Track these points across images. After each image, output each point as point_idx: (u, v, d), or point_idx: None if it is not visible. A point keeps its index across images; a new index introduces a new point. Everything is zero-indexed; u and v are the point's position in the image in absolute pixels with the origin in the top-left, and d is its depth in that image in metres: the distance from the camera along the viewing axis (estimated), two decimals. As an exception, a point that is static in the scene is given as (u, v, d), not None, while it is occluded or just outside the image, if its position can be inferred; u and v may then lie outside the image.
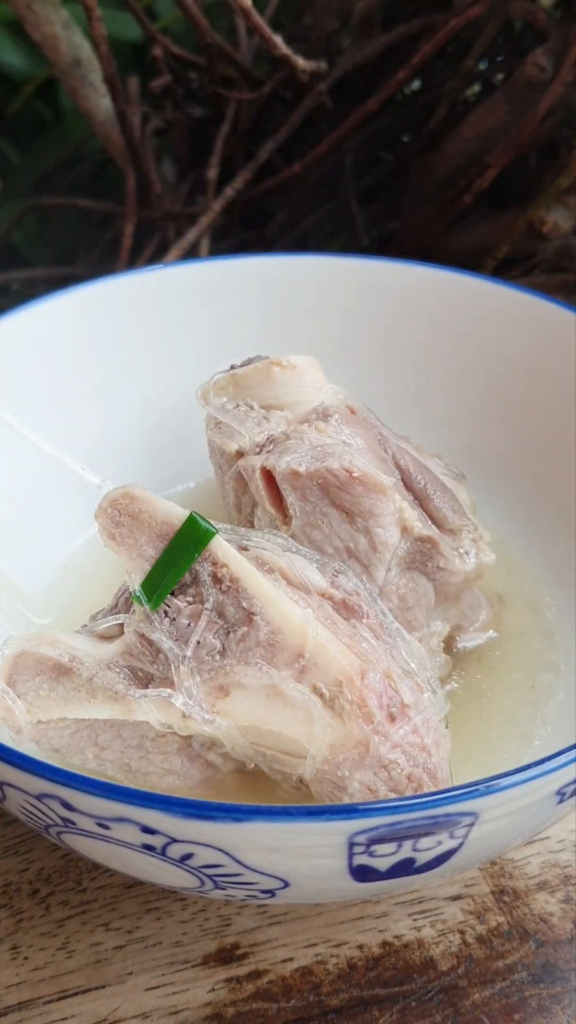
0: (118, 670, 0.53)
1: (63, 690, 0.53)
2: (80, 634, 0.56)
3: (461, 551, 0.65)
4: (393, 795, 0.52)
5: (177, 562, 0.53)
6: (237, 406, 0.67)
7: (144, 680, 0.53)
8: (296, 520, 0.62)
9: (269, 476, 0.62)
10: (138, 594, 0.53)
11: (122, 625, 0.55)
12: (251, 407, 0.67)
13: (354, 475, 0.60)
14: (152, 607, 0.53)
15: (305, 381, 0.68)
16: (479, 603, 0.72)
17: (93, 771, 0.56)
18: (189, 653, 0.52)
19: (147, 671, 0.53)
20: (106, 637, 0.55)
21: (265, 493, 0.63)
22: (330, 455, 0.61)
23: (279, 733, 0.52)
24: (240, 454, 0.65)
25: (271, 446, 0.64)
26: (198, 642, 0.52)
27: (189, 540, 0.53)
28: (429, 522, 0.64)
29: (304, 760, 0.52)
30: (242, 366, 0.70)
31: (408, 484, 0.65)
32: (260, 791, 0.57)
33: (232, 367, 0.71)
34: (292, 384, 0.68)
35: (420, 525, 0.62)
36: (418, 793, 0.52)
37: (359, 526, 0.61)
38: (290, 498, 0.61)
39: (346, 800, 0.52)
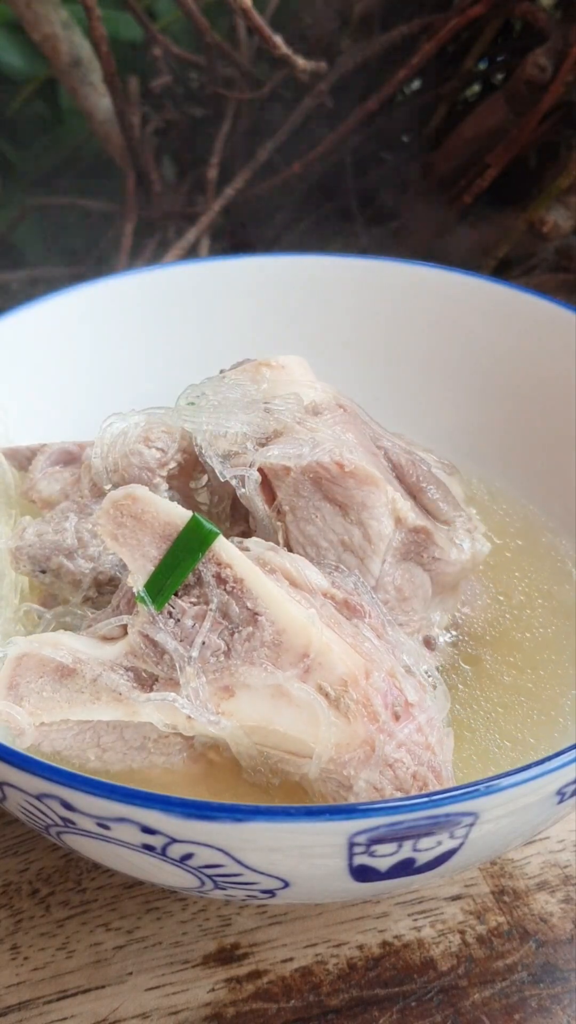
0: (122, 671, 0.53)
1: (67, 692, 0.53)
2: (83, 635, 0.56)
3: (456, 541, 0.65)
4: (399, 794, 0.52)
5: (181, 563, 0.53)
6: (228, 408, 0.67)
7: (148, 681, 0.53)
8: (289, 516, 0.62)
9: (262, 473, 0.63)
10: (142, 595, 0.53)
11: (125, 626, 0.54)
12: (242, 407, 0.67)
13: (345, 468, 0.60)
14: (157, 608, 0.53)
15: (294, 380, 0.68)
16: (478, 593, 0.73)
17: (95, 771, 0.56)
18: (194, 654, 0.52)
19: (151, 672, 0.53)
20: (109, 638, 0.55)
21: (260, 490, 0.63)
22: (321, 450, 0.61)
23: (284, 733, 0.52)
24: (233, 454, 0.65)
25: (264, 443, 0.64)
26: (203, 643, 0.52)
27: (192, 541, 0.53)
28: (423, 513, 0.64)
29: (309, 760, 0.52)
30: (231, 370, 0.71)
31: (401, 478, 0.65)
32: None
33: (221, 371, 0.71)
34: (281, 383, 0.68)
35: (413, 516, 0.62)
36: (423, 791, 0.52)
37: (352, 519, 0.61)
38: (281, 493, 0.61)
39: (352, 799, 0.52)
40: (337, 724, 0.51)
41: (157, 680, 0.53)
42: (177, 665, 0.52)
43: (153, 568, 0.54)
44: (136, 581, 0.54)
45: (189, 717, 0.52)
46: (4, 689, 0.53)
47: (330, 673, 0.52)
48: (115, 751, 0.55)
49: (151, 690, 0.53)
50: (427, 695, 0.55)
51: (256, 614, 0.53)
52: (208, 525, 0.53)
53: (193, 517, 0.54)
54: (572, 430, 0.78)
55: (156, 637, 0.53)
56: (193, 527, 0.53)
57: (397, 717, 0.52)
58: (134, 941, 0.61)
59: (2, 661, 0.54)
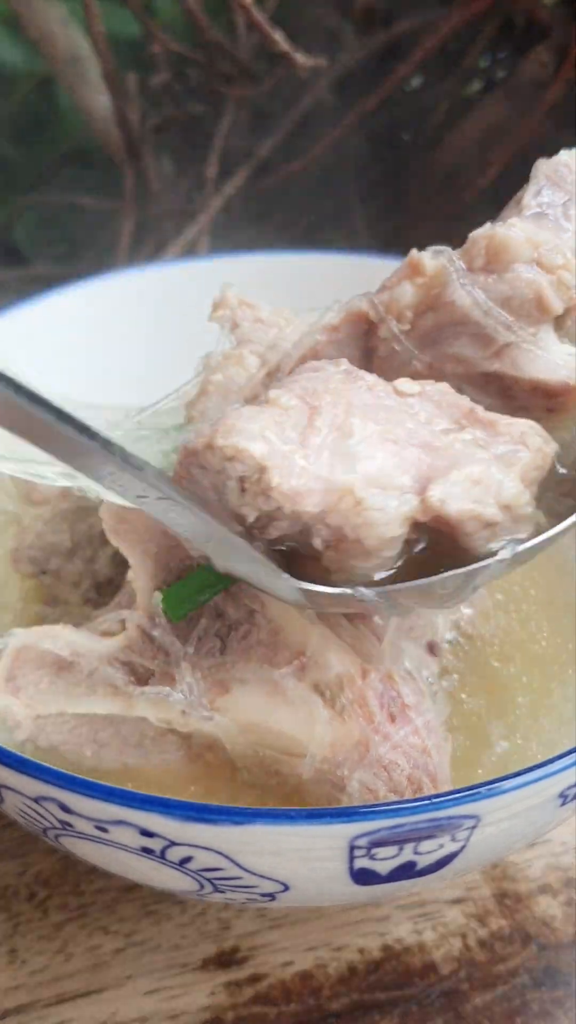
0: (119, 666, 0.53)
1: (64, 684, 0.53)
2: (82, 630, 0.56)
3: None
4: (393, 796, 0.51)
5: (212, 585, 0.53)
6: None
7: (145, 676, 0.53)
8: None
9: None
10: (160, 603, 0.53)
11: (123, 621, 0.54)
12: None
13: None
14: (174, 619, 0.53)
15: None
16: (480, 594, 0.72)
17: (92, 768, 0.55)
18: (190, 650, 0.52)
19: (148, 667, 0.53)
20: (107, 633, 0.55)
21: None
22: None
23: (279, 731, 0.52)
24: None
25: None
26: (199, 638, 0.52)
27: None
28: None
29: (303, 760, 0.52)
30: None
31: None
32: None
33: None
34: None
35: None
36: (418, 795, 0.51)
37: None
38: None
39: (345, 801, 0.52)
40: (332, 723, 0.51)
41: (153, 675, 0.53)
42: (173, 660, 0.52)
43: (152, 564, 0.53)
44: (136, 577, 0.53)
45: (184, 712, 0.51)
46: (2, 681, 0.53)
47: (326, 672, 0.52)
48: (111, 747, 0.55)
49: (147, 685, 0.53)
50: (426, 699, 0.54)
51: (253, 611, 0.52)
52: None
53: None
54: (574, 429, 0.78)
55: (153, 632, 0.53)
56: None
57: (393, 718, 0.52)
58: (133, 944, 0.60)
59: (1, 653, 0.54)
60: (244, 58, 1.07)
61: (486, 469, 0.44)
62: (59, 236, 1.24)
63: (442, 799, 0.44)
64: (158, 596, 0.53)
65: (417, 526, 0.44)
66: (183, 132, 1.14)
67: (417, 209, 1.09)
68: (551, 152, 1.06)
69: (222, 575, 0.52)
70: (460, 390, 0.49)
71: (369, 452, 0.43)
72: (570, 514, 0.47)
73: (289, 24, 1.07)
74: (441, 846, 0.46)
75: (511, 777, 0.45)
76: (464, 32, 1.03)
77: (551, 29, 0.93)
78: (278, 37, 0.97)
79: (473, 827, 0.46)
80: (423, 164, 1.07)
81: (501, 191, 1.06)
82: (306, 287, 0.88)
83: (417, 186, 1.08)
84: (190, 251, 1.06)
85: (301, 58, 1.00)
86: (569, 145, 1.00)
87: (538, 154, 1.10)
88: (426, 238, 1.11)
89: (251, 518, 0.43)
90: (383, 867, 0.47)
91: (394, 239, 1.14)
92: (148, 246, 1.12)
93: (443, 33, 0.96)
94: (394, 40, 1.03)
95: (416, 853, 0.46)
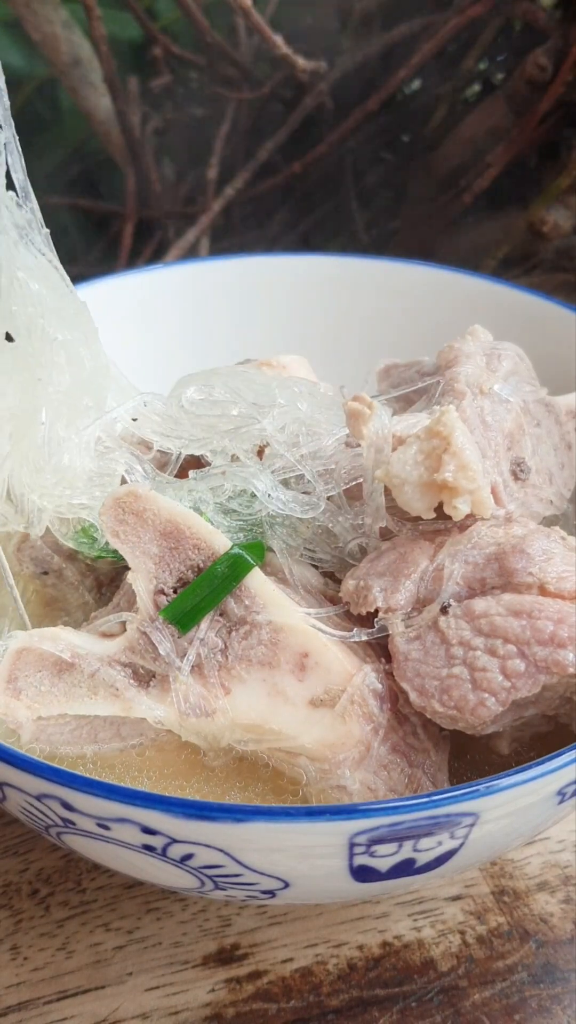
0: (119, 667, 0.53)
1: (64, 686, 0.53)
2: (82, 631, 0.56)
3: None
4: (393, 795, 0.52)
5: (216, 589, 0.53)
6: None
7: (145, 677, 0.53)
8: None
9: None
10: (167, 615, 0.53)
11: (124, 623, 0.55)
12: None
13: None
14: (183, 629, 0.53)
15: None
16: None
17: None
18: (192, 651, 0.52)
19: (149, 668, 0.53)
20: (108, 635, 0.55)
21: None
22: None
23: (280, 731, 0.52)
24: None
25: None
26: (201, 640, 0.53)
27: (235, 571, 0.53)
28: None
29: (304, 759, 0.52)
30: None
31: None
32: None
33: None
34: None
35: None
36: (417, 794, 0.52)
37: None
38: None
39: (346, 800, 0.52)
40: (332, 724, 0.51)
41: (154, 676, 0.53)
42: (174, 662, 0.52)
43: (153, 565, 0.54)
44: (136, 577, 0.54)
45: (184, 714, 0.52)
46: (3, 683, 0.53)
47: (327, 673, 0.52)
48: (112, 747, 0.55)
49: (148, 686, 0.53)
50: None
51: (254, 613, 0.53)
52: (248, 558, 0.53)
53: (234, 549, 0.54)
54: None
55: (153, 634, 0.53)
56: (236, 559, 0.53)
57: (393, 718, 0.52)
58: (134, 941, 0.61)
59: (2, 655, 0.54)
60: (244, 61, 1.07)
61: None
62: (61, 238, 1.24)
63: (441, 797, 0.44)
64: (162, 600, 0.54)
65: None
66: (184, 135, 1.15)
67: (416, 211, 1.09)
68: (550, 153, 1.07)
69: (222, 582, 0.52)
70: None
71: None
72: None
73: (289, 28, 1.08)
74: (440, 843, 0.47)
75: (510, 775, 0.45)
76: (463, 35, 1.03)
77: (549, 32, 0.93)
78: (278, 40, 0.98)
79: (472, 824, 0.46)
80: (422, 166, 1.07)
81: (500, 193, 1.07)
82: (305, 289, 0.88)
83: (416, 188, 1.09)
84: (191, 253, 1.06)
85: (301, 61, 1.00)
86: (568, 146, 1.01)
87: (537, 156, 1.11)
88: (425, 240, 1.12)
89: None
90: (383, 864, 0.47)
91: (393, 241, 1.14)
92: (149, 248, 1.13)
93: (442, 36, 0.96)
94: (393, 43, 1.03)
95: (415, 850, 0.47)
